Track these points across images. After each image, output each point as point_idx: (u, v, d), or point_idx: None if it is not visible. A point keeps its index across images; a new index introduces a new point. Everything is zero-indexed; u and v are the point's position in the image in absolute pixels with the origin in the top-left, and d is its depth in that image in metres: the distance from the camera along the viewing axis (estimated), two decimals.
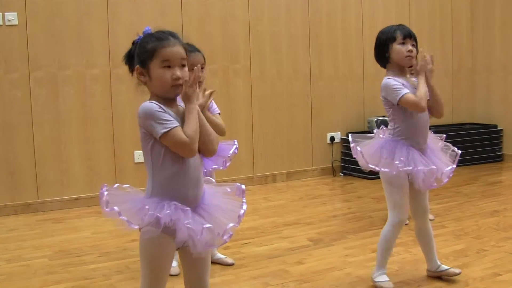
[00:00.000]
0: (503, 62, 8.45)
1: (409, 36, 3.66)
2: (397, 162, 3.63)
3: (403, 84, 3.61)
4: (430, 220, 5.19)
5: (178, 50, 2.53)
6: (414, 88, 3.64)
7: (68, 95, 6.23)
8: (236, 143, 4.27)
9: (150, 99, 2.57)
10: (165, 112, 2.47)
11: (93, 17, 6.30)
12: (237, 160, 6.40)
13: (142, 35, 2.62)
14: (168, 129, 2.45)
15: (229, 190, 2.71)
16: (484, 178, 7.29)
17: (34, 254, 4.75)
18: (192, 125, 2.49)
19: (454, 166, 3.74)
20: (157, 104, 2.48)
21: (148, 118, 2.47)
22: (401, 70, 3.70)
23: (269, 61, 7.34)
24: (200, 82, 2.64)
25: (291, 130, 7.56)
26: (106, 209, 2.49)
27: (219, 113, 4.04)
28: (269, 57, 7.33)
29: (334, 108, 7.80)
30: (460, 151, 3.83)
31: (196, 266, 2.66)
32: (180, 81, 2.51)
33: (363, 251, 4.60)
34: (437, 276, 3.94)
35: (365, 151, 3.78)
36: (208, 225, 2.48)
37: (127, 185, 2.64)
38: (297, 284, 3.95)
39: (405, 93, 3.57)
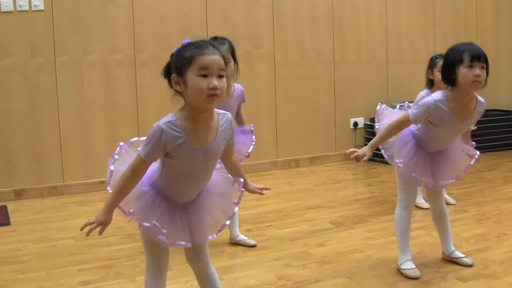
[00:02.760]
0: None
1: (477, 58, 3.37)
2: (397, 160, 3.70)
3: (447, 119, 3.48)
4: (452, 204, 5.23)
5: (216, 59, 2.42)
6: (458, 121, 3.51)
7: (93, 79, 6.30)
8: (253, 138, 4.36)
9: (184, 107, 2.51)
10: (159, 147, 2.45)
11: (117, 2, 6.35)
12: (260, 145, 6.44)
13: (180, 47, 2.53)
14: (142, 157, 2.47)
15: (226, 183, 2.77)
16: (507, 164, 7.28)
17: (60, 235, 4.83)
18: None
19: (463, 173, 3.79)
20: (165, 137, 2.43)
21: (149, 137, 2.46)
22: (464, 95, 3.47)
23: (292, 46, 7.35)
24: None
25: (314, 115, 7.58)
26: (107, 187, 2.61)
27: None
28: (292, 42, 7.34)
29: (358, 94, 7.81)
30: (478, 153, 3.82)
31: (189, 248, 2.77)
32: (217, 92, 2.40)
33: (384, 234, 4.63)
34: (451, 260, 3.96)
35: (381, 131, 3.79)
36: (181, 243, 2.60)
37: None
38: (319, 266, 3.99)
39: (413, 119, 3.51)
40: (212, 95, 2.40)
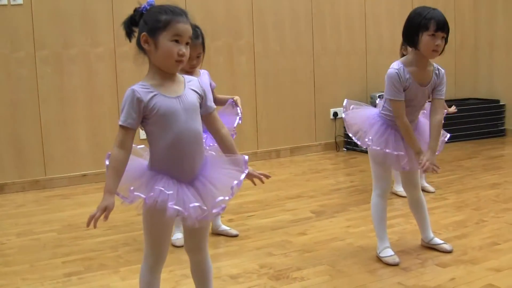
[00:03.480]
0: (506, 37, 8.48)
1: (442, 28, 3.53)
2: (366, 139, 3.71)
3: (407, 86, 3.58)
4: (431, 192, 5.30)
5: (188, 28, 2.55)
6: (420, 86, 3.62)
7: (74, 73, 6.31)
8: (239, 111, 4.27)
9: (148, 71, 2.62)
10: (134, 107, 2.50)
11: None
12: (241, 136, 6.48)
13: (146, 5, 2.62)
14: (121, 123, 2.51)
15: (232, 161, 2.71)
16: (486, 152, 7.36)
17: (43, 229, 4.85)
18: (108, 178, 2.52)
19: (436, 153, 3.71)
20: (136, 95, 2.50)
21: (123, 102, 2.53)
22: (422, 59, 3.63)
23: (272, 38, 7.39)
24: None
25: (295, 105, 7.62)
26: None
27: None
28: (272, 34, 7.38)
29: (337, 84, 7.86)
30: (449, 135, 3.86)
31: (193, 233, 2.76)
32: (183, 58, 2.53)
33: (364, 222, 4.68)
34: (430, 247, 4.02)
35: (349, 119, 3.84)
36: (195, 204, 2.52)
37: (142, 146, 2.70)
38: (300, 254, 4.04)
39: (399, 100, 3.59)
40: (180, 61, 2.53)
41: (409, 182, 3.94)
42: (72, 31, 6.27)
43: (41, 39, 6.14)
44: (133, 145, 2.60)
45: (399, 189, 5.36)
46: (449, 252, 3.93)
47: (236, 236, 4.42)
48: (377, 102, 4.31)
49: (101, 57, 6.41)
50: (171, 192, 2.50)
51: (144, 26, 2.57)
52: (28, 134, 6.17)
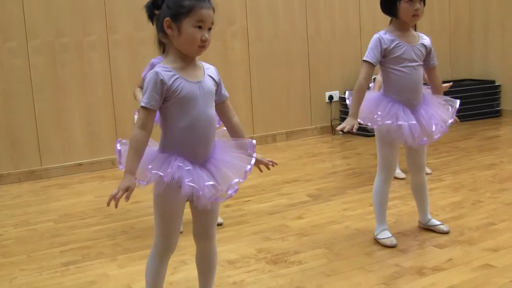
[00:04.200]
0: (500, 18, 8.45)
1: None
2: (375, 116, 3.68)
3: (394, 46, 3.63)
4: (428, 174, 5.30)
5: (211, 14, 2.57)
6: (408, 44, 3.65)
7: (67, 62, 6.28)
8: None
9: (170, 54, 2.62)
10: (157, 89, 2.50)
11: None
12: None
13: None
14: (144, 104, 2.51)
15: (239, 145, 2.76)
16: (482, 133, 7.36)
17: (40, 219, 4.84)
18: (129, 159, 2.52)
19: (450, 120, 3.76)
20: (160, 78, 2.51)
21: (145, 84, 2.53)
22: (405, 25, 3.69)
23: (266, 22, 7.36)
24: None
25: (290, 90, 7.61)
26: (119, 166, 2.60)
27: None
28: (266, 18, 7.35)
29: (332, 67, 7.85)
30: (458, 101, 3.83)
31: (202, 217, 2.75)
32: (206, 44, 2.56)
33: (361, 205, 4.69)
34: (427, 228, 4.03)
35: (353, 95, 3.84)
36: (210, 183, 2.55)
37: None
38: (297, 238, 4.04)
39: (370, 62, 3.63)
40: (203, 46, 2.56)
41: (416, 164, 3.92)
42: (64, 20, 6.23)
43: (33, 28, 6.10)
44: None
45: (397, 171, 5.36)
46: (446, 233, 3.93)
47: (220, 224, 4.37)
48: (370, 86, 4.31)
49: (93, 45, 6.39)
50: (188, 168, 2.53)
51: (167, 10, 2.57)
52: (22, 125, 6.15)
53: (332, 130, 7.83)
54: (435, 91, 3.87)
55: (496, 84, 8.43)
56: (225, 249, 3.87)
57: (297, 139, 7.60)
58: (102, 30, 6.40)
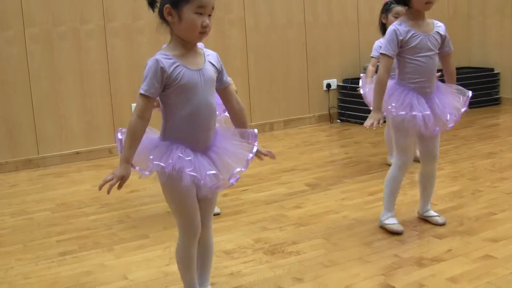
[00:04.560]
0: (498, 5, 8.42)
1: None
2: (389, 107, 3.67)
3: (410, 36, 3.61)
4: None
5: (211, 0, 2.56)
6: (423, 34, 3.63)
7: (64, 51, 6.24)
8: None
9: (170, 41, 2.62)
10: (157, 76, 2.50)
11: None
12: None
13: None
14: (143, 92, 2.50)
15: (241, 134, 2.75)
16: (481, 121, 7.33)
17: (37, 208, 4.82)
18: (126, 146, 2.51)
19: (463, 109, 3.79)
20: (160, 65, 2.50)
21: (145, 72, 2.51)
22: (419, 14, 3.66)
23: (263, 11, 7.32)
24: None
25: (287, 78, 7.58)
26: (120, 154, 2.57)
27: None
28: (263, 7, 7.31)
29: (330, 55, 7.81)
30: (471, 92, 3.86)
31: (200, 205, 2.74)
32: (207, 30, 2.55)
33: (360, 194, 4.67)
34: (424, 219, 4.01)
35: (368, 92, 3.84)
36: (211, 172, 2.56)
37: None
38: (295, 228, 4.02)
39: (389, 55, 3.62)
40: (203, 32, 2.56)
41: (429, 153, 3.88)
42: (61, 8, 6.19)
43: (30, 17, 6.06)
44: None
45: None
46: (442, 225, 3.90)
47: (217, 214, 4.34)
48: (361, 75, 4.30)
49: (91, 34, 6.34)
50: (189, 158, 2.54)
51: None
52: (19, 113, 6.11)
53: (330, 118, 7.80)
54: (449, 78, 3.87)
55: (495, 72, 8.40)
56: (222, 239, 3.85)
57: (295, 128, 7.57)
58: (99, 18, 6.36)
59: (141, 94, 2.50)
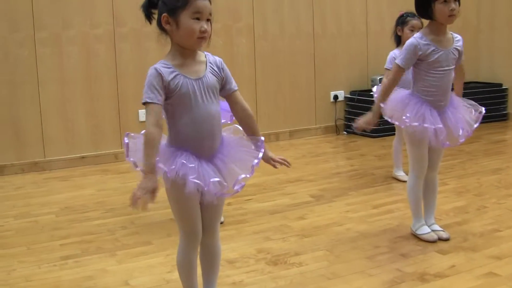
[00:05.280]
0: (508, 19, 8.41)
1: None
2: (404, 117, 3.68)
3: (433, 50, 3.60)
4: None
5: (207, 4, 2.56)
6: (443, 50, 3.63)
7: (73, 54, 6.26)
8: None
9: (170, 50, 2.62)
10: (158, 84, 2.50)
11: None
12: None
13: None
14: (149, 101, 2.49)
15: (247, 141, 2.76)
16: (488, 136, 7.31)
17: (41, 211, 4.83)
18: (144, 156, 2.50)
19: (476, 125, 3.82)
20: (159, 73, 2.50)
21: (146, 81, 2.52)
22: (441, 27, 3.66)
23: (271, 19, 7.33)
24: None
25: (295, 88, 7.58)
26: (128, 159, 2.58)
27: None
28: (272, 16, 7.31)
29: (338, 67, 7.81)
30: (484, 109, 3.86)
31: (207, 211, 2.75)
32: (206, 35, 2.54)
33: (364, 207, 4.65)
34: None
35: (382, 104, 3.86)
36: (215, 179, 2.55)
37: None
38: (298, 239, 4.01)
39: (401, 66, 3.64)
40: (202, 37, 2.54)
41: (432, 163, 3.89)
42: (71, 12, 6.21)
43: (40, 20, 6.08)
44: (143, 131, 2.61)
45: (400, 173, 5.34)
46: (446, 240, 3.88)
47: (221, 223, 4.33)
48: (373, 89, 4.32)
49: (100, 38, 6.36)
50: (192, 165, 2.53)
51: (163, 6, 2.58)
52: (27, 116, 6.13)
53: (336, 130, 7.80)
54: (456, 88, 3.90)
55: (504, 87, 8.38)
56: (225, 248, 3.81)
57: (301, 138, 7.57)
58: (109, 23, 6.37)
59: (147, 103, 2.50)
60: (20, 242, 4.12)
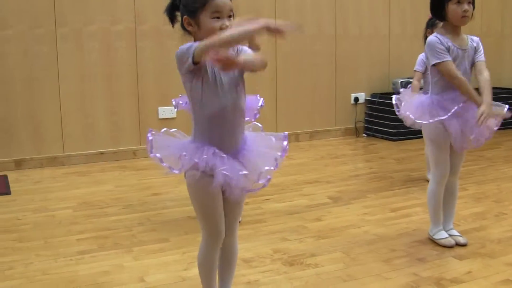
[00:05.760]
0: None
1: None
2: (424, 120, 3.68)
3: (448, 48, 3.59)
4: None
5: (227, 2, 2.57)
6: (460, 49, 3.63)
7: (93, 51, 6.28)
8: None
9: None
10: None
11: None
12: (260, 118, 6.42)
13: None
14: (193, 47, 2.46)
15: (273, 138, 2.75)
16: (508, 143, 7.26)
17: (59, 205, 4.85)
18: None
19: (496, 128, 3.78)
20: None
21: (184, 49, 2.49)
22: (455, 28, 3.66)
23: (293, 20, 7.30)
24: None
25: (315, 89, 7.56)
26: (151, 155, 2.59)
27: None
28: (294, 16, 7.29)
29: (359, 69, 7.79)
30: (507, 107, 3.84)
31: (228, 210, 2.74)
32: None
33: (382, 210, 4.63)
34: None
35: (405, 105, 3.85)
36: (244, 172, 2.55)
37: (174, 129, 2.70)
38: (315, 240, 4.00)
39: (446, 60, 3.58)
40: None
41: (453, 166, 3.85)
42: (93, 8, 6.23)
43: (62, 16, 6.10)
44: (166, 129, 2.65)
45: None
46: (463, 245, 3.85)
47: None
48: (400, 91, 4.28)
49: (121, 35, 6.38)
50: (223, 155, 2.54)
51: (184, 10, 2.60)
52: (47, 111, 6.16)
53: (356, 132, 7.77)
54: (482, 85, 3.76)
55: None
56: (241, 247, 3.78)
57: (320, 140, 7.55)
58: (131, 20, 6.39)
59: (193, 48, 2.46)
60: (37, 236, 4.14)
